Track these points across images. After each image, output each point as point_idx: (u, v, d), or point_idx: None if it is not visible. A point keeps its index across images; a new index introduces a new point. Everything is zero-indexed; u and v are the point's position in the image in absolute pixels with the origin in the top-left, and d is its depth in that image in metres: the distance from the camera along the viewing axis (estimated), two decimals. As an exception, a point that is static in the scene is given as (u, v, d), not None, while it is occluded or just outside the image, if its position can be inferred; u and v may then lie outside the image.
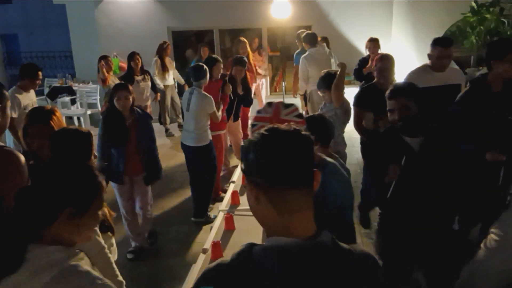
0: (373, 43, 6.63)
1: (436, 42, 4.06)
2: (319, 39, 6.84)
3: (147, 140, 4.07)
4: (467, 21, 8.10)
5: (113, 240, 2.50)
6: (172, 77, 8.26)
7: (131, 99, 3.91)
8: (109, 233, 2.44)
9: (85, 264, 1.39)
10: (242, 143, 1.19)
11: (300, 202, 1.10)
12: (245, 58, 6.06)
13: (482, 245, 2.75)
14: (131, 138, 3.94)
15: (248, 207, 1.17)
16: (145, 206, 4.27)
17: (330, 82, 3.97)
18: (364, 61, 6.64)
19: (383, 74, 4.18)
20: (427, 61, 4.16)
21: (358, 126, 4.19)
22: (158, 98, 7.64)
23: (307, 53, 6.67)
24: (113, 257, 2.49)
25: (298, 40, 7.52)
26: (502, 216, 2.69)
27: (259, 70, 8.45)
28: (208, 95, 4.72)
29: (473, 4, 7.76)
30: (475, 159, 2.88)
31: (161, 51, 7.91)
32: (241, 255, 1.06)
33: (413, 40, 8.57)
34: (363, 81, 6.37)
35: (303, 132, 1.14)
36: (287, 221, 1.08)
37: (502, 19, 7.90)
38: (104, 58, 6.93)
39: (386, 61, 4.25)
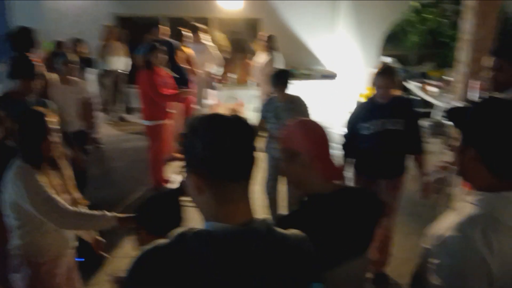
0: (386, 78, 3.29)
1: None
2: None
3: None
4: (409, 20, 8.41)
5: None
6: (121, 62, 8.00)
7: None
8: None
9: None
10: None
11: (241, 192, 1.12)
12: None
13: None
14: None
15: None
16: None
17: (280, 81, 4.13)
18: (361, 115, 3.45)
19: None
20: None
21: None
22: None
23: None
24: None
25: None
26: None
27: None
28: None
29: (415, 4, 8.03)
30: None
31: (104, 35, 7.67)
32: (177, 237, 1.07)
33: (359, 37, 8.75)
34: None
35: (246, 119, 1.14)
36: (225, 209, 1.10)
37: (443, 19, 8.26)
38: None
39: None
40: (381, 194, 3.31)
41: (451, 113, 1.44)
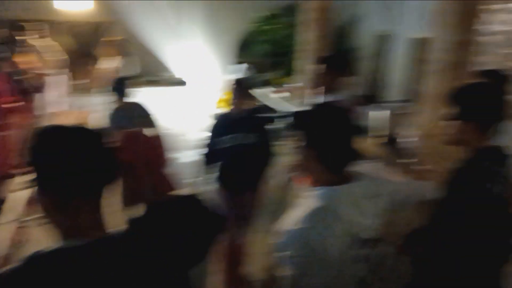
0: (239, 92, 3.38)
1: None
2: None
3: None
4: (259, 30, 8.89)
5: None
6: None
7: None
8: None
9: None
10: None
11: (93, 206, 1.10)
12: None
13: None
14: None
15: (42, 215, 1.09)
16: None
17: (120, 88, 3.92)
18: (218, 128, 3.40)
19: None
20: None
21: None
22: None
23: None
24: None
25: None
26: None
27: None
28: None
29: (259, 15, 8.46)
30: None
31: None
32: (27, 261, 1.01)
33: (211, 44, 8.87)
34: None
35: (93, 130, 1.11)
36: (78, 225, 1.07)
37: (284, 31, 8.91)
38: None
39: None
40: (243, 206, 3.44)
41: (294, 117, 1.60)
